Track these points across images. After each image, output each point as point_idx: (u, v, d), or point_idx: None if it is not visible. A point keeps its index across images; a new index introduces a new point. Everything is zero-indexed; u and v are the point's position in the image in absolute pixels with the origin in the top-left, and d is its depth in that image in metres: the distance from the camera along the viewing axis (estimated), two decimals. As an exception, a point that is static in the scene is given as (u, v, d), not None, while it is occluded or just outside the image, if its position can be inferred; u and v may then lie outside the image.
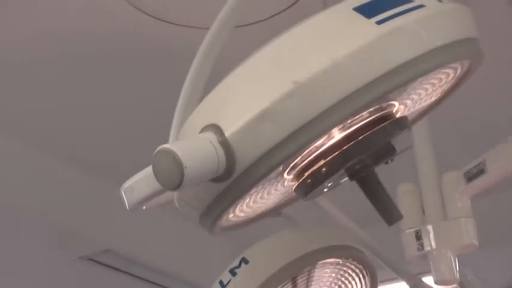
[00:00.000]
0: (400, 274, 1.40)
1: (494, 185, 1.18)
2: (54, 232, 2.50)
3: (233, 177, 0.65)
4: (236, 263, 1.19)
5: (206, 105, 0.73)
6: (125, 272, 2.79)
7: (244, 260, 1.19)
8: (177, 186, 0.62)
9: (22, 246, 2.64)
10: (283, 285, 1.18)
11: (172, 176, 0.61)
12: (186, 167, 0.61)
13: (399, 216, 0.78)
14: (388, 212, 0.77)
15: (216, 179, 0.65)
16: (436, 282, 1.22)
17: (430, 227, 1.20)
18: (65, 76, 1.98)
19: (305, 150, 0.69)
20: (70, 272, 2.89)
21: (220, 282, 1.19)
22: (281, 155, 0.64)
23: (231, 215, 0.79)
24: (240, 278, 1.16)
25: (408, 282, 1.41)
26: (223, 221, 0.78)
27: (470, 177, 1.18)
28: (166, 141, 0.73)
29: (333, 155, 0.71)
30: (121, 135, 2.28)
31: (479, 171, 1.16)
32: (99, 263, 2.71)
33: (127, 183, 0.76)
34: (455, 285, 1.25)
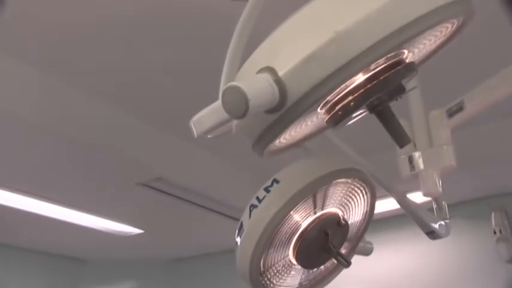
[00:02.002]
0: (389, 191, 1.41)
1: (469, 119, 1.18)
2: (115, 161, 2.50)
3: (284, 109, 0.66)
4: (269, 183, 1.19)
5: (258, 54, 0.73)
6: (174, 196, 2.82)
7: (276, 181, 1.19)
8: (242, 115, 0.62)
9: (91, 175, 2.66)
10: (306, 200, 1.19)
11: (239, 106, 0.62)
12: (250, 99, 0.61)
13: (408, 140, 0.79)
14: (400, 137, 0.78)
15: (270, 111, 0.66)
16: (424, 195, 1.24)
17: (419, 153, 1.21)
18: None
19: (339, 87, 0.69)
20: (129, 196, 2.93)
21: (257, 198, 1.19)
22: (323, 90, 0.65)
23: (277, 142, 0.79)
24: (273, 194, 1.17)
25: (396, 197, 1.43)
26: (271, 147, 0.78)
27: (451, 113, 1.17)
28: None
29: (359, 92, 0.72)
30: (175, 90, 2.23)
31: (459, 109, 1.16)
32: (153, 188, 2.73)
33: (195, 117, 0.77)
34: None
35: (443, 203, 1.52)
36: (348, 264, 1.27)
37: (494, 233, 3.19)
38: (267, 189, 1.19)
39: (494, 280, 3.16)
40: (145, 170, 2.55)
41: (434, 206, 1.51)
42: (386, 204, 1.75)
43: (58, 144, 2.34)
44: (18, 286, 3.80)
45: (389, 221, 3.05)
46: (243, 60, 0.76)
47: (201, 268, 4.31)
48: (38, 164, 2.51)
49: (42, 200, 2.93)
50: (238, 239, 1.21)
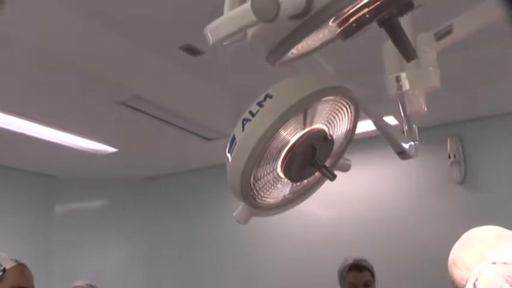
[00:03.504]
0: (367, 112, 1.42)
1: (455, 43, 1.18)
2: (94, 78, 2.42)
3: (309, 15, 0.64)
4: (262, 97, 1.17)
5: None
6: (151, 115, 2.77)
7: (269, 96, 1.17)
8: (273, 18, 0.60)
9: (69, 93, 2.57)
10: (298, 116, 1.19)
11: (270, 8, 0.60)
12: (281, 2, 0.59)
13: (414, 55, 0.78)
14: (408, 51, 0.78)
15: (295, 16, 0.63)
16: (410, 113, 1.26)
17: (406, 73, 1.22)
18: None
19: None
20: (106, 115, 2.87)
21: (250, 112, 1.18)
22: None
23: (292, 51, 0.77)
24: (266, 108, 1.15)
25: (372, 118, 1.45)
26: (284, 57, 0.77)
27: (439, 36, 1.17)
28: None
29: (375, 5, 0.70)
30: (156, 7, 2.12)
31: (447, 32, 1.15)
32: (131, 107, 2.67)
33: (212, 24, 0.74)
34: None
35: (413, 126, 1.56)
36: (333, 177, 1.30)
37: (449, 157, 3.32)
38: (260, 104, 1.17)
39: (447, 199, 3.33)
40: (124, 88, 2.48)
41: (405, 128, 1.55)
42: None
43: (36, 59, 2.24)
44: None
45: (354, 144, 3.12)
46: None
47: (172, 187, 4.36)
48: (14, 79, 2.41)
49: (16, 117, 2.83)
50: (229, 154, 1.20)
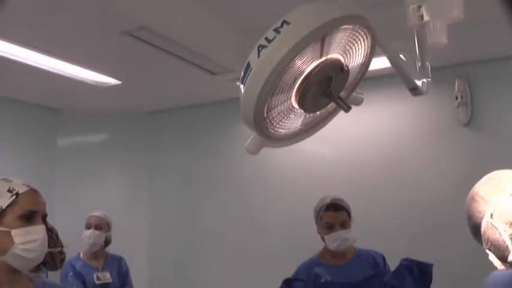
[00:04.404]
0: (382, 47, 1.39)
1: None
2: (99, 7, 2.34)
3: None
4: (279, 24, 1.14)
5: None
6: (156, 46, 2.71)
7: (286, 22, 1.14)
8: None
9: (73, 22, 2.51)
10: (315, 43, 1.16)
11: None
12: None
13: None
14: None
15: None
16: (431, 45, 1.23)
17: (428, 3, 1.18)
18: None
19: None
20: (111, 46, 2.82)
21: (266, 38, 1.15)
22: None
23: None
24: (283, 35, 1.12)
25: (387, 54, 1.42)
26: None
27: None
28: None
29: None
30: None
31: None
32: (136, 37, 2.61)
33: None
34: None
35: (427, 63, 1.53)
36: (348, 108, 1.29)
37: (456, 98, 3.30)
38: (276, 30, 1.14)
39: (452, 141, 3.33)
40: (129, 18, 2.41)
41: (418, 65, 1.52)
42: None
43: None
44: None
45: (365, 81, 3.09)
46: None
47: (175, 121, 4.35)
48: (17, 7, 2.33)
49: (18, 45, 2.78)
50: (243, 81, 1.18)
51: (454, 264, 3.14)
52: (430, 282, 2.20)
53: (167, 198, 4.30)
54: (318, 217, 2.40)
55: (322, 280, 2.34)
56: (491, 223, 1.12)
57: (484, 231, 1.13)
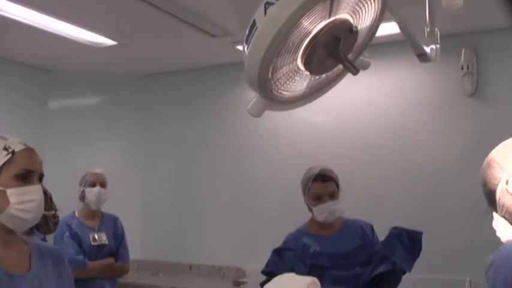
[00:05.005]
0: (391, 11, 1.34)
1: None
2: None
3: None
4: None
5: None
6: (154, 6, 2.62)
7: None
8: None
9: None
10: (324, 2, 1.10)
11: None
12: None
13: None
14: None
15: None
16: (445, 6, 1.17)
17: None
18: None
19: None
20: (106, 5, 2.73)
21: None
22: None
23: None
24: None
25: (397, 19, 1.38)
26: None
27: None
28: None
29: None
30: None
31: None
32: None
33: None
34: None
35: (436, 29, 1.48)
36: (356, 71, 1.24)
37: (462, 68, 3.24)
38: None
39: (456, 112, 3.29)
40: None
41: (427, 31, 1.48)
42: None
43: None
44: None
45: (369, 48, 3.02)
46: None
47: (174, 85, 4.29)
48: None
49: (11, 1, 2.69)
50: (247, 40, 1.13)
51: (456, 237, 3.14)
52: (420, 250, 2.19)
53: (163, 160, 4.27)
54: (306, 188, 2.34)
55: (311, 250, 2.32)
56: (506, 190, 1.09)
57: (499, 198, 1.11)
